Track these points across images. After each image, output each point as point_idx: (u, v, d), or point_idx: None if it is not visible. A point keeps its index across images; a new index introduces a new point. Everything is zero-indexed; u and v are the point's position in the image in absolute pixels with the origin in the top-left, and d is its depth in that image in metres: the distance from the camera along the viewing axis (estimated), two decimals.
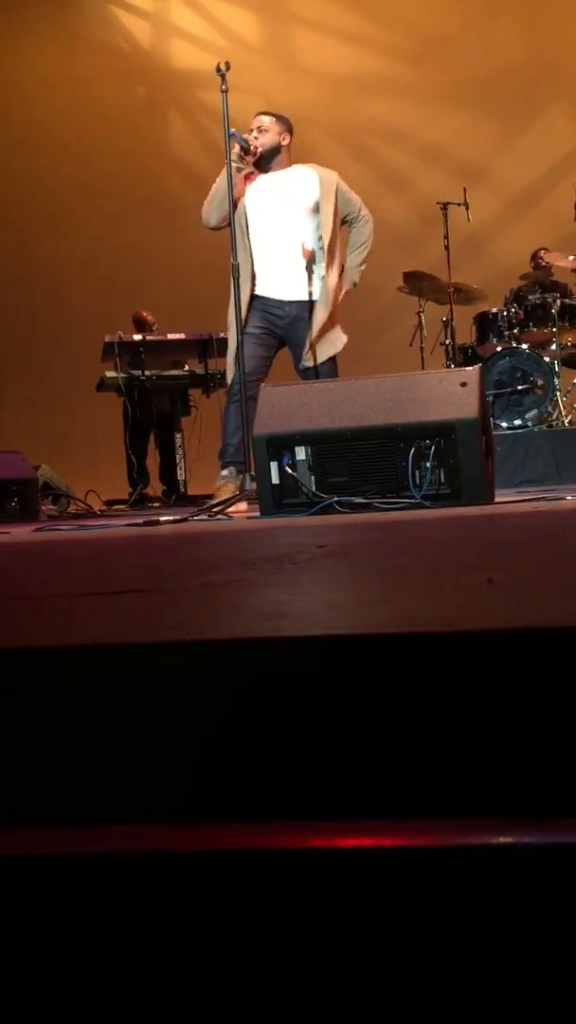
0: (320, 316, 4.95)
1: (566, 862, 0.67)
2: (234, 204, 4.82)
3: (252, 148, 4.95)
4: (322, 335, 4.98)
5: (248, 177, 5.04)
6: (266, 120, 5.10)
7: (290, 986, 0.81)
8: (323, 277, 4.98)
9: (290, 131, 5.11)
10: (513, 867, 0.68)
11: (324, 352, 4.98)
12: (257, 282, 5.01)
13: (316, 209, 5.03)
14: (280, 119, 5.11)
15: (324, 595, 1.10)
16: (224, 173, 4.86)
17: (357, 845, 0.76)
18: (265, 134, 5.05)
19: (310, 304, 4.98)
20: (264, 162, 5.04)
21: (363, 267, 5.17)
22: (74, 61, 10.37)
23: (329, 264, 5.00)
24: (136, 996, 0.84)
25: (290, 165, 5.13)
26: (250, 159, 4.98)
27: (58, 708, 0.96)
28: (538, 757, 0.76)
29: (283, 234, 5.01)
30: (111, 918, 0.87)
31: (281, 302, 5.00)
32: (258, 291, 5.00)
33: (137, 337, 7.14)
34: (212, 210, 5.03)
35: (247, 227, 5.01)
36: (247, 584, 1.27)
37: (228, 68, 5.40)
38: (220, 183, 4.93)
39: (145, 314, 7.94)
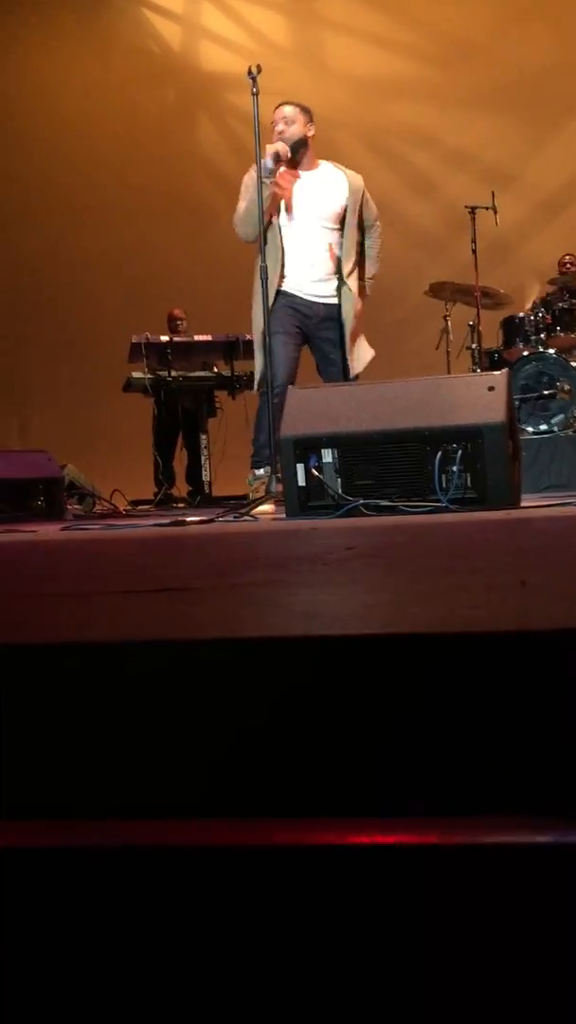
0: (349, 325, 4.95)
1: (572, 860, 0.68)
2: (267, 219, 4.79)
3: (283, 154, 4.91)
4: (354, 345, 4.98)
5: (283, 178, 4.95)
6: (290, 111, 5.04)
7: (292, 977, 0.83)
8: (348, 284, 4.97)
9: (312, 121, 5.07)
10: (531, 865, 0.69)
11: (360, 362, 5.00)
12: (286, 280, 4.99)
13: (343, 214, 5.00)
14: (304, 109, 5.06)
15: (357, 595, 1.11)
16: (249, 182, 4.82)
17: (367, 842, 0.77)
18: (291, 125, 5.00)
19: (337, 309, 4.98)
20: (292, 155, 4.99)
21: (373, 281, 5.17)
22: (104, 63, 10.43)
23: (352, 272, 5.00)
24: (137, 987, 0.85)
25: (316, 161, 5.08)
26: (283, 163, 4.96)
27: (89, 703, 0.97)
28: (571, 756, 0.77)
29: (312, 236, 5.00)
30: (113, 911, 0.88)
31: (310, 303, 4.99)
32: (286, 287, 4.98)
33: (164, 338, 7.17)
34: (246, 227, 5.00)
35: (280, 225, 4.98)
36: (281, 584, 1.28)
37: (259, 71, 5.42)
38: (248, 197, 4.90)
39: (177, 312, 7.99)
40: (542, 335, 6.67)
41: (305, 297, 5.00)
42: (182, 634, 0.94)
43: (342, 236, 5.00)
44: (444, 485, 3.64)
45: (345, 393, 3.98)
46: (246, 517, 4.03)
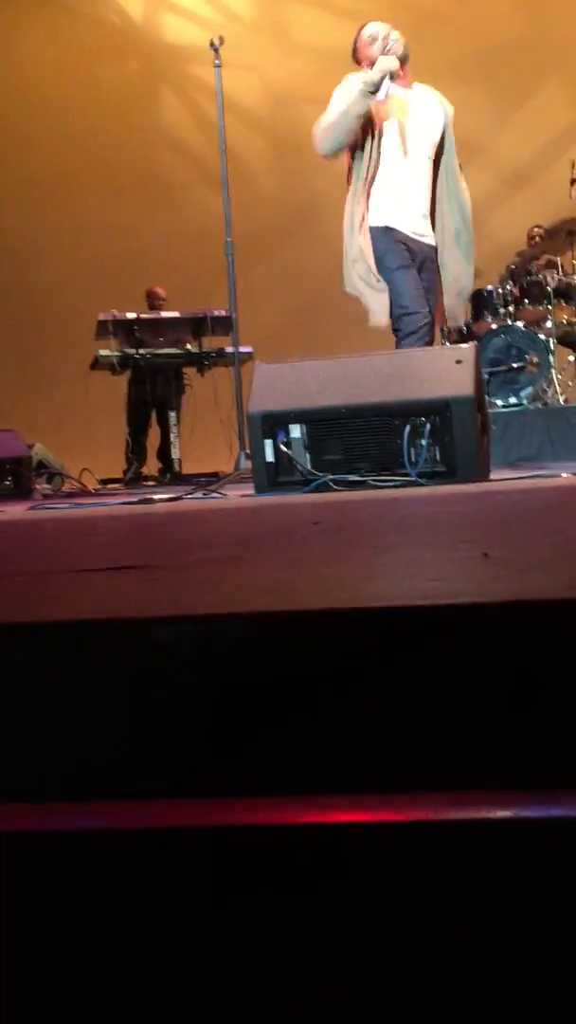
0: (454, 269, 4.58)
1: (566, 836, 0.67)
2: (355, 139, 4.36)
3: (396, 73, 4.48)
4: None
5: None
6: (381, 25, 4.68)
7: (286, 962, 0.81)
8: (443, 224, 4.56)
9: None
10: (512, 841, 0.68)
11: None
12: (393, 213, 4.50)
13: (441, 144, 4.61)
14: (381, 25, 4.66)
15: (319, 570, 1.09)
16: (348, 93, 4.37)
17: (352, 820, 0.76)
18: (391, 40, 4.59)
19: (435, 251, 4.59)
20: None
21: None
22: (65, 35, 10.28)
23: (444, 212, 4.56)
24: (128, 973, 0.84)
25: (412, 80, 4.64)
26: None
27: (53, 684, 0.96)
28: (535, 729, 0.76)
29: (414, 164, 4.55)
30: (99, 895, 0.87)
31: (417, 242, 4.57)
32: (393, 222, 4.49)
33: (131, 315, 7.11)
34: (332, 140, 4.46)
35: (380, 149, 4.49)
36: (243, 560, 1.26)
37: (222, 43, 5.35)
38: (346, 105, 4.41)
39: (158, 290, 7.91)
40: (510, 308, 6.66)
41: (410, 235, 4.52)
42: (133, 612, 0.91)
43: (436, 168, 4.58)
44: (413, 459, 3.65)
45: (313, 368, 3.96)
46: (214, 494, 4.02)
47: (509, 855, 0.68)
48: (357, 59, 4.62)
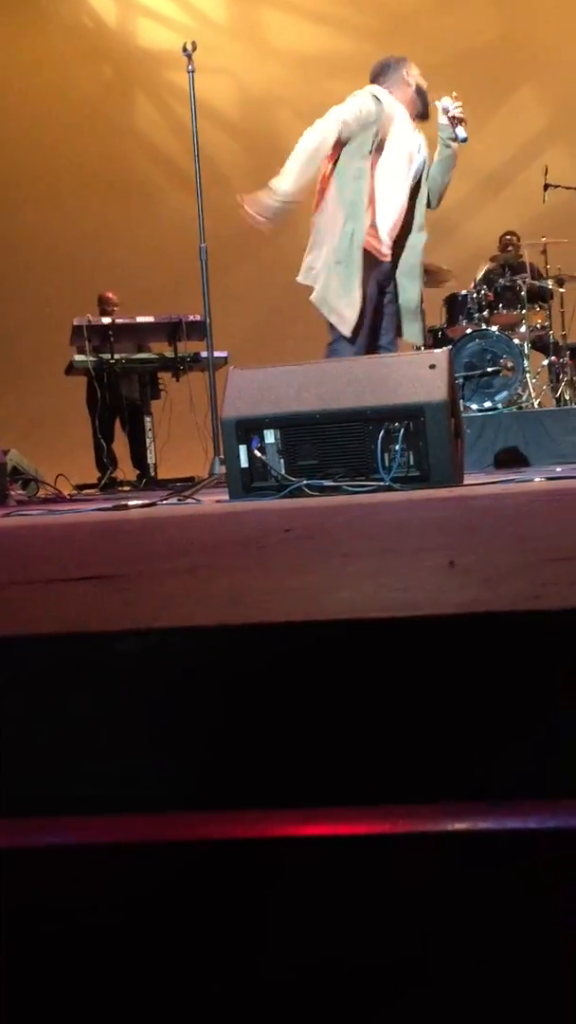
0: None
1: (523, 847, 0.67)
2: None
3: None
4: None
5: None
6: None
7: (264, 973, 0.81)
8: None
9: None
10: (467, 853, 0.68)
11: None
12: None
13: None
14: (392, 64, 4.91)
15: (285, 580, 1.09)
16: None
17: (319, 833, 0.76)
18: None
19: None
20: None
21: None
22: (38, 39, 10.24)
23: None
24: (118, 981, 0.84)
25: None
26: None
27: (18, 698, 0.95)
28: (495, 741, 0.76)
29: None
30: (80, 909, 0.86)
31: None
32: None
33: (106, 320, 7.08)
34: None
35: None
36: (210, 569, 1.26)
37: (195, 48, 5.35)
38: None
39: (109, 295, 7.86)
40: (485, 313, 6.69)
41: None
42: (105, 626, 0.91)
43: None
44: (387, 464, 3.66)
45: (287, 373, 3.96)
46: (190, 500, 4.01)
47: (467, 868, 0.68)
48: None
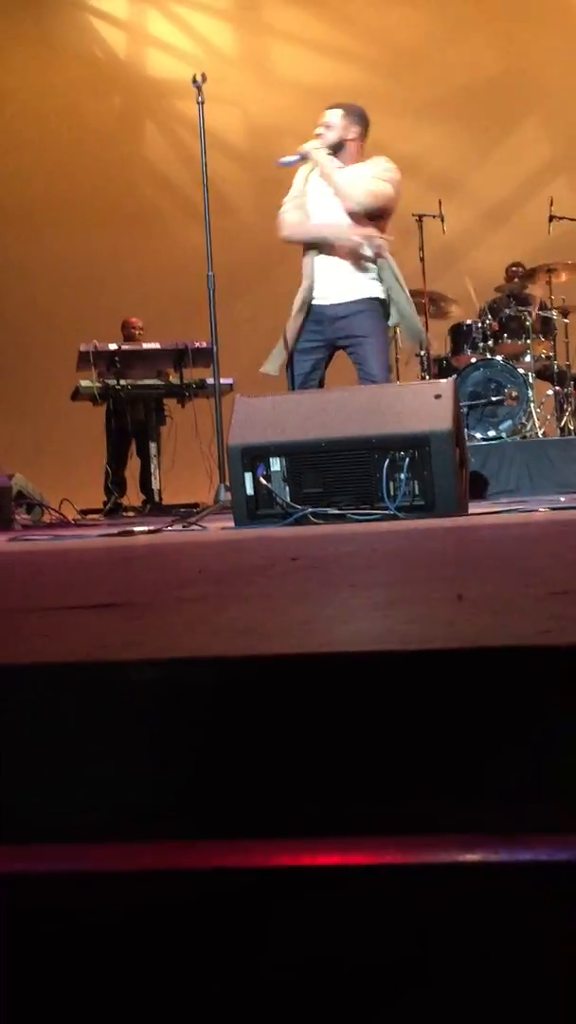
0: None
1: (534, 880, 0.68)
2: None
3: (305, 154, 4.84)
4: None
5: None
6: (330, 115, 4.89)
7: (258, 1006, 0.82)
8: None
9: (360, 124, 4.90)
10: (481, 885, 0.68)
11: None
12: None
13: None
14: (348, 111, 4.89)
15: (294, 611, 1.10)
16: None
17: (323, 863, 0.77)
18: (329, 130, 4.86)
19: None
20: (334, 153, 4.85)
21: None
22: (49, 69, 10.36)
23: None
24: (110, 1015, 0.84)
25: (360, 160, 4.91)
26: (303, 162, 4.84)
27: (24, 727, 0.96)
28: (506, 776, 0.77)
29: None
30: (78, 936, 0.87)
31: None
32: None
33: (113, 346, 7.12)
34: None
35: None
36: (219, 598, 1.27)
37: (204, 79, 5.41)
38: None
39: (133, 320, 7.95)
40: (490, 342, 6.72)
41: None
42: (115, 655, 0.92)
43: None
44: (392, 493, 3.67)
45: (293, 401, 3.99)
46: (194, 526, 4.03)
47: (477, 900, 0.69)
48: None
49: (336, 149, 4.83)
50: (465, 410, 6.10)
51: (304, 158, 4.79)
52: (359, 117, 4.90)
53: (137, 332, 7.82)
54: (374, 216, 4.71)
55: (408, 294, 4.78)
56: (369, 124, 4.92)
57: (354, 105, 4.95)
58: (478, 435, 6.44)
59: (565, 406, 6.78)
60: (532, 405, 6.52)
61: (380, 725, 0.86)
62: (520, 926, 0.70)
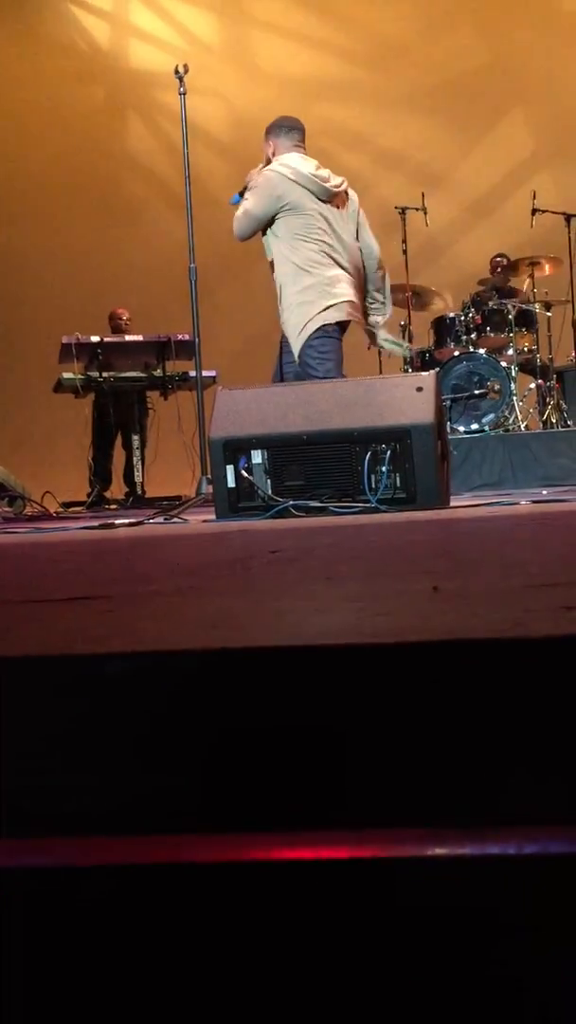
0: None
1: (498, 873, 0.68)
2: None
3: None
4: None
5: None
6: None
7: (258, 999, 0.82)
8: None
9: (271, 134, 4.86)
10: (446, 878, 0.68)
11: None
12: None
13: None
14: (267, 130, 4.88)
15: (271, 604, 1.10)
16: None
17: (296, 857, 0.77)
18: (263, 156, 4.89)
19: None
20: None
21: None
22: (32, 60, 10.29)
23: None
24: (113, 1003, 0.84)
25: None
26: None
27: (2, 718, 0.95)
28: (477, 768, 0.77)
29: None
30: (68, 930, 0.87)
31: None
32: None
33: (95, 339, 7.10)
34: None
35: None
36: (196, 591, 1.27)
37: (187, 71, 5.38)
38: None
39: (119, 311, 7.93)
40: (473, 335, 6.73)
41: None
42: (88, 648, 0.92)
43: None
44: (373, 485, 3.67)
45: (275, 394, 3.98)
46: (176, 519, 4.02)
47: (446, 892, 0.69)
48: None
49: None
50: (448, 403, 6.11)
51: (242, 194, 4.83)
52: (272, 129, 4.90)
53: (124, 323, 7.80)
54: (266, 230, 4.75)
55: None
56: (287, 126, 4.88)
57: (274, 121, 4.94)
58: (461, 428, 6.45)
59: (547, 399, 6.79)
60: (515, 398, 6.53)
61: (357, 717, 0.86)
62: (513, 918, 0.70)
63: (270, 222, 4.68)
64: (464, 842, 0.67)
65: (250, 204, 4.69)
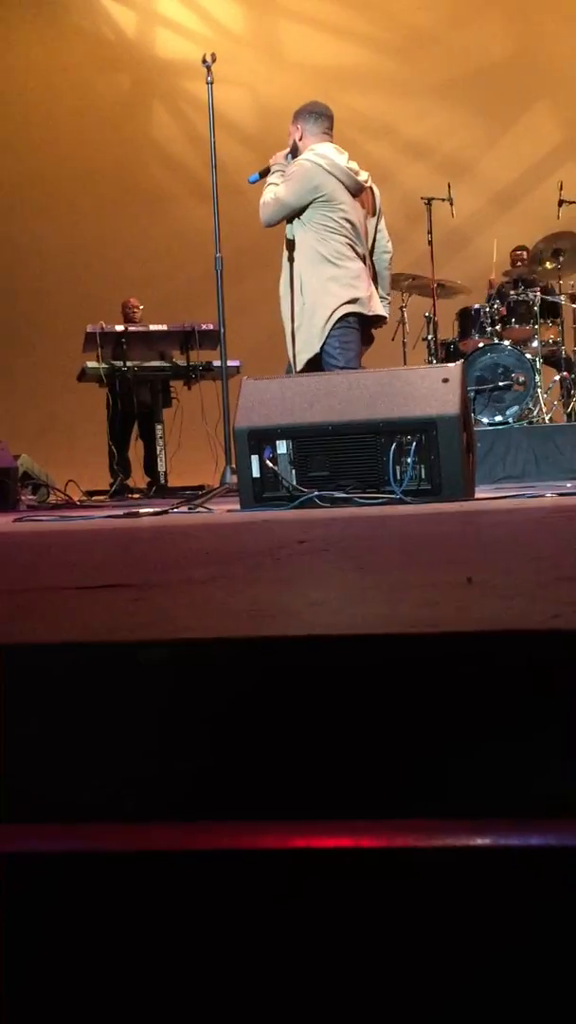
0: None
1: (546, 864, 0.67)
2: None
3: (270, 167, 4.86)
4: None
5: None
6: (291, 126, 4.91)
7: (268, 988, 0.81)
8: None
9: (299, 119, 4.85)
10: (493, 869, 0.68)
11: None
12: None
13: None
14: (295, 115, 4.87)
15: (304, 593, 1.10)
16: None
17: (336, 846, 0.76)
18: (289, 139, 4.89)
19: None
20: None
21: None
22: (59, 49, 10.30)
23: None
24: (119, 992, 0.84)
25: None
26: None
27: (30, 706, 0.96)
28: (514, 760, 0.76)
29: None
30: (83, 918, 0.87)
31: None
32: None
33: (119, 328, 7.11)
34: None
35: None
36: (227, 580, 1.27)
37: (214, 60, 5.37)
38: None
39: (132, 300, 7.94)
40: (497, 327, 6.70)
41: None
42: (123, 635, 0.92)
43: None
44: (398, 477, 3.66)
45: (300, 384, 3.98)
46: (200, 509, 4.02)
47: (488, 883, 0.68)
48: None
49: (294, 154, 4.84)
50: (472, 395, 6.08)
51: (263, 175, 4.83)
52: (301, 114, 4.88)
53: (136, 313, 7.80)
54: (292, 220, 4.73)
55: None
56: (317, 112, 4.86)
57: (303, 105, 4.92)
58: (484, 420, 6.42)
59: (572, 392, 6.76)
60: (539, 390, 6.50)
61: (387, 707, 0.86)
62: (530, 911, 0.69)
63: (300, 210, 4.67)
64: (508, 833, 0.67)
65: (283, 192, 4.68)
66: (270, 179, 4.76)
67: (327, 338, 4.60)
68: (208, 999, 0.81)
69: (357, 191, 4.74)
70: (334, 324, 4.60)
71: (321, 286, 4.65)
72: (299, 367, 4.65)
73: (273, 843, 0.84)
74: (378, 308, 4.80)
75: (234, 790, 0.89)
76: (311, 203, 4.64)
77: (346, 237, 4.68)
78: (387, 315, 5.00)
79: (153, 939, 0.83)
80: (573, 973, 0.66)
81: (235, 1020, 0.80)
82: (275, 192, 4.70)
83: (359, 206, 4.78)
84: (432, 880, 0.73)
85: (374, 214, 4.91)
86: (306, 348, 4.64)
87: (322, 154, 4.69)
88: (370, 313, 4.72)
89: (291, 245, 4.75)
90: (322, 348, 4.60)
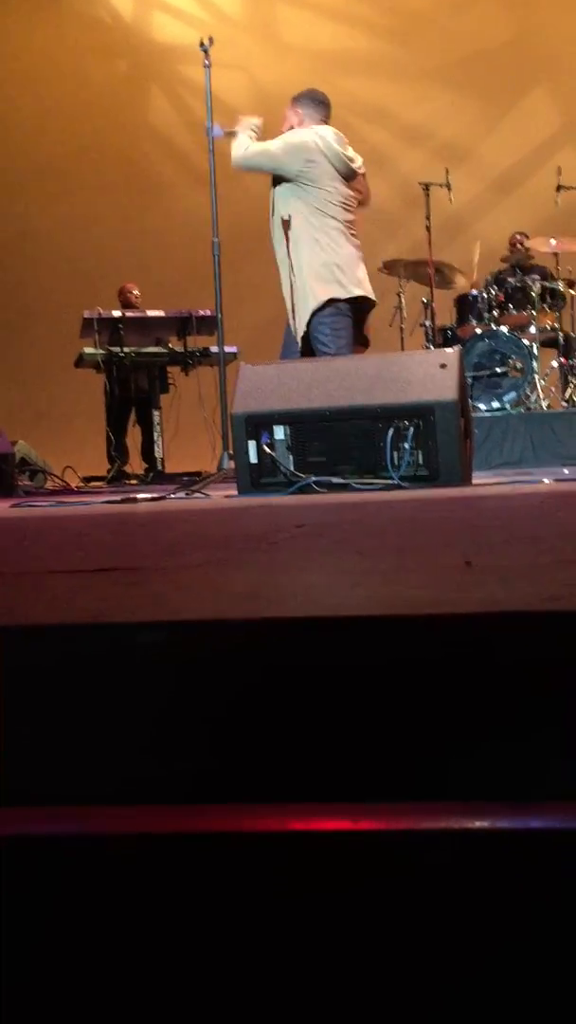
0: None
1: (542, 847, 0.67)
2: None
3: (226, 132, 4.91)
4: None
5: None
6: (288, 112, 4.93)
7: (268, 970, 0.81)
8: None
9: (299, 104, 4.87)
10: (489, 852, 0.68)
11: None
12: None
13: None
14: (294, 100, 4.90)
15: (300, 576, 1.09)
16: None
17: (335, 828, 0.76)
18: (284, 124, 4.91)
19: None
20: None
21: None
22: (55, 33, 10.24)
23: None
24: (124, 974, 0.84)
25: None
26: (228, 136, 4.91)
27: (28, 688, 0.95)
28: (510, 741, 0.76)
29: None
30: (84, 899, 0.87)
31: None
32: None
33: (117, 313, 7.09)
34: None
35: None
36: (223, 564, 1.27)
37: (211, 43, 5.35)
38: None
39: (130, 286, 7.91)
40: (495, 312, 6.68)
41: None
42: (120, 617, 0.92)
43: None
44: (396, 462, 3.66)
45: (297, 370, 3.97)
46: (198, 494, 4.02)
47: (488, 866, 0.68)
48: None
49: None
50: (469, 381, 6.07)
51: (229, 135, 4.89)
52: (301, 99, 4.91)
53: (134, 298, 7.78)
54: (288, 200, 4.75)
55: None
56: (317, 99, 4.90)
57: (303, 92, 4.95)
58: (482, 406, 6.41)
59: (570, 378, 6.74)
60: (536, 377, 6.49)
61: (387, 689, 0.85)
62: (528, 893, 0.69)
63: (286, 188, 4.71)
64: (506, 816, 0.67)
65: (275, 148, 4.74)
66: (241, 137, 4.81)
67: (316, 324, 4.63)
68: (207, 981, 0.81)
69: (350, 177, 4.76)
70: (320, 306, 4.63)
71: (313, 270, 4.68)
72: (299, 343, 4.70)
73: (272, 825, 0.84)
74: (370, 292, 4.81)
75: (232, 775, 0.89)
76: (296, 178, 4.67)
77: (338, 220, 4.72)
78: (374, 298, 4.96)
79: (152, 921, 0.83)
80: (570, 956, 0.66)
81: (234, 1003, 0.80)
82: (265, 145, 4.75)
83: (352, 192, 4.80)
84: (431, 863, 0.73)
85: (367, 202, 4.94)
86: (301, 326, 4.68)
87: (322, 135, 4.73)
88: (360, 293, 4.73)
89: (286, 225, 4.75)
90: (312, 334, 4.63)
